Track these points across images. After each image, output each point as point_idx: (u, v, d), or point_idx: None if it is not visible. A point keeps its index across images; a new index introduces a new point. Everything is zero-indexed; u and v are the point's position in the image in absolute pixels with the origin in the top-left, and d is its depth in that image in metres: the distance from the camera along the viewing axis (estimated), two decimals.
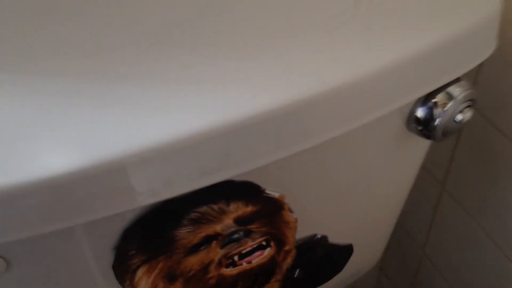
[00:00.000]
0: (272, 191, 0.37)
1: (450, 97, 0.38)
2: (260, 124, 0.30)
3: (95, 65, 0.31)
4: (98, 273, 0.36)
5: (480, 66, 0.55)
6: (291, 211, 0.40)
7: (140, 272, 0.38)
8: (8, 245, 0.30)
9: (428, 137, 0.40)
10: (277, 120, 0.31)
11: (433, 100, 0.38)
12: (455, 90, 0.38)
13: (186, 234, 0.36)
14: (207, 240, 0.38)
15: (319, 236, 0.45)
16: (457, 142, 0.66)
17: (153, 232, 0.35)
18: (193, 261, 0.39)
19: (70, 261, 0.34)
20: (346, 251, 0.49)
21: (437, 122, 0.38)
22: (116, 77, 0.31)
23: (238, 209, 0.37)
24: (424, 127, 0.39)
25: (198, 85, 0.30)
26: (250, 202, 0.37)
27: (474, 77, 0.56)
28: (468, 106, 0.39)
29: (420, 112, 0.39)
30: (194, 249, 0.38)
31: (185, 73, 0.31)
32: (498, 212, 0.63)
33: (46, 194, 0.28)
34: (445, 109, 0.38)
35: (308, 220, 0.42)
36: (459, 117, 0.38)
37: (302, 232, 0.43)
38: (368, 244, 0.52)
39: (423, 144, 0.44)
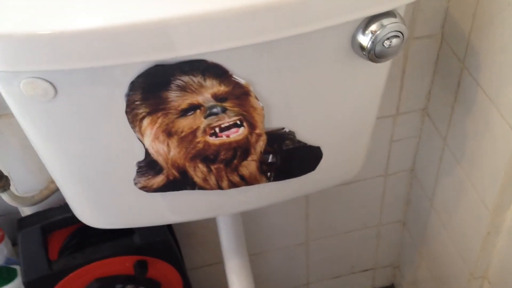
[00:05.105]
0: (239, 77, 0.52)
1: (382, 26, 0.50)
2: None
3: None
4: (116, 118, 0.54)
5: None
6: (257, 99, 0.55)
7: (145, 123, 0.55)
8: (57, 73, 0.49)
9: (367, 58, 0.53)
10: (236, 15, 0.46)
11: (370, 28, 0.51)
12: (386, 21, 0.50)
13: (175, 97, 0.53)
14: (193, 108, 0.54)
15: (286, 130, 0.59)
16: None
17: (150, 87, 0.51)
18: (184, 124, 0.56)
19: (97, 102, 0.52)
20: (315, 152, 0.63)
21: (369, 45, 0.51)
22: None
23: (213, 86, 0.52)
24: (363, 49, 0.52)
25: None
26: (222, 82, 0.52)
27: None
28: (396, 36, 0.51)
29: (360, 37, 0.52)
30: (183, 113, 0.54)
31: None
32: None
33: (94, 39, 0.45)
34: (375, 34, 0.50)
35: (274, 111, 0.57)
36: (386, 43, 0.51)
37: (270, 122, 0.58)
38: (339, 152, 0.65)
39: (370, 67, 0.57)
